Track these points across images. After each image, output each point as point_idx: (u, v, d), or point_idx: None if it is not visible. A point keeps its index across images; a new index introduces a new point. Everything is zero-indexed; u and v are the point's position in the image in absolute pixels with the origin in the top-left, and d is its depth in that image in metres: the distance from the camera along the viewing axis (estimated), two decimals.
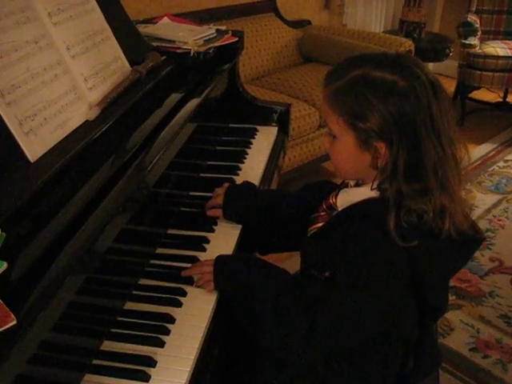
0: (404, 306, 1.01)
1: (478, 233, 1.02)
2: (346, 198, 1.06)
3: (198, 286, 1.13)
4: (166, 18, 1.76)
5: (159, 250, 1.25)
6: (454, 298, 2.23)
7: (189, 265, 1.19)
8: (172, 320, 1.05)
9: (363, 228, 0.96)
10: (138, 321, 1.05)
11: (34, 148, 0.95)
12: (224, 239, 1.30)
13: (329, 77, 1.02)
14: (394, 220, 0.93)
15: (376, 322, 0.99)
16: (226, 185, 1.40)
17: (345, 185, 1.12)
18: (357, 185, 1.09)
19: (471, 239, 1.02)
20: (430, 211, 0.93)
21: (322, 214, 1.12)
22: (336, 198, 1.08)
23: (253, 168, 1.63)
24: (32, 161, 0.94)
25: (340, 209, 1.07)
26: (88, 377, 0.94)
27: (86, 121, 1.10)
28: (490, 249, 2.55)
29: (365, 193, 1.01)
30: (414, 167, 0.94)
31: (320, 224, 1.11)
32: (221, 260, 1.14)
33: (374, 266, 0.95)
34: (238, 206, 1.33)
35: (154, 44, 1.51)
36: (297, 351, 1.00)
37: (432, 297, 1.05)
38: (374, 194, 1.00)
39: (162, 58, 1.43)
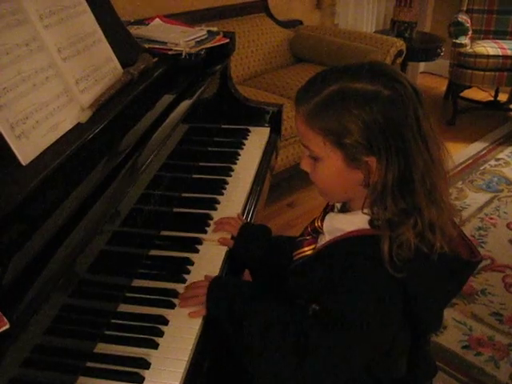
0: (396, 336, 0.97)
1: (474, 255, 0.96)
2: (332, 224, 1.01)
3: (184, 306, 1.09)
4: (157, 19, 1.76)
5: (152, 252, 1.25)
6: None
7: (181, 266, 1.20)
8: (165, 322, 1.06)
9: (359, 265, 0.91)
10: (132, 323, 1.05)
11: (25, 151, 0.95)
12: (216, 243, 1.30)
13: (302, 95, 0.93)
14: (388, 253, 0.87)
15: (367, 358, 0.95)
16: (238, 218, 1.36)
17: (330, 208, 1.06)
18: (343, 209, 1.04)
19: (466, 264, 0.96)
20: (412, 238, 0.88)
21: (308, 237, 1.08)
22: (321, 222, 1.03)
23: (245, 169, 1.64)
24: (24, 164, 0.93)
25: (327, 234, 1.02)
26: (82, 379, 0.94)
27: (78, 123, 1.10)
28: (482, 247, 2.56)
29: (354, 222, 0.95)
30: (403, 181, 0.89)
31: (306, 248, 1.06)
32: (215, 283, 1.10)
33: (368, 304, 0.90)
34: (250, 249, 1.28)
35: (146, 46, 1.51)
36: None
37: (426, 322, 1.01)
38: (365, 222, 0.93)
39: (154, 60, 1.43)
